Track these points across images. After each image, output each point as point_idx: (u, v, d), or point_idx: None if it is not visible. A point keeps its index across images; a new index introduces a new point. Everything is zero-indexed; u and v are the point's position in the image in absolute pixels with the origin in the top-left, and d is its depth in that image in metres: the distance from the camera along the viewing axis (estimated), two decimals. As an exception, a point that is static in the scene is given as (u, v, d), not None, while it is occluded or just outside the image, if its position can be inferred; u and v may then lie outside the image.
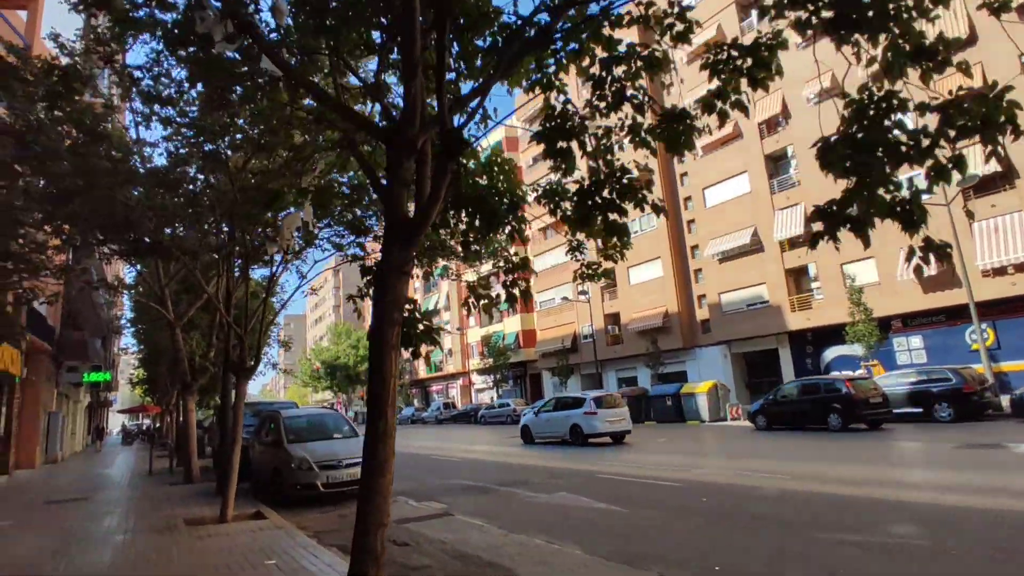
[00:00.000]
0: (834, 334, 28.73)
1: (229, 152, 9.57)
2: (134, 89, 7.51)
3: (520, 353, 50.00)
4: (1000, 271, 23.17)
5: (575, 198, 5.74)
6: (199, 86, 6.66)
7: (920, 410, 18.78)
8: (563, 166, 5.71)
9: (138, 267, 14.51)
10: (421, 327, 5.27)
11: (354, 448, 10.98)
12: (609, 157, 5.72)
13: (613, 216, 5.81)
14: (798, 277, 30.50)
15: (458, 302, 59.37)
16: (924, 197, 4.04)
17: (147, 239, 9.62)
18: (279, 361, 50.06)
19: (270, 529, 8.05)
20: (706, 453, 15.92)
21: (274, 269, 9.65)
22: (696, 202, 35.37)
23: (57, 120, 8.26)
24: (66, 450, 30.22)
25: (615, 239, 5.93)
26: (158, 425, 39.33)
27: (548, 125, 5.50)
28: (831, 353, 29.56)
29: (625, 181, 5.65)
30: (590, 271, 7.18)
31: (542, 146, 5.62)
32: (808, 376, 30.18)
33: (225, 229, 10.13)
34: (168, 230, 11.15)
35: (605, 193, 5.68)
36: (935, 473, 10.18)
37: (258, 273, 14.45)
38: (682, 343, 35.82)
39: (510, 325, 51.75)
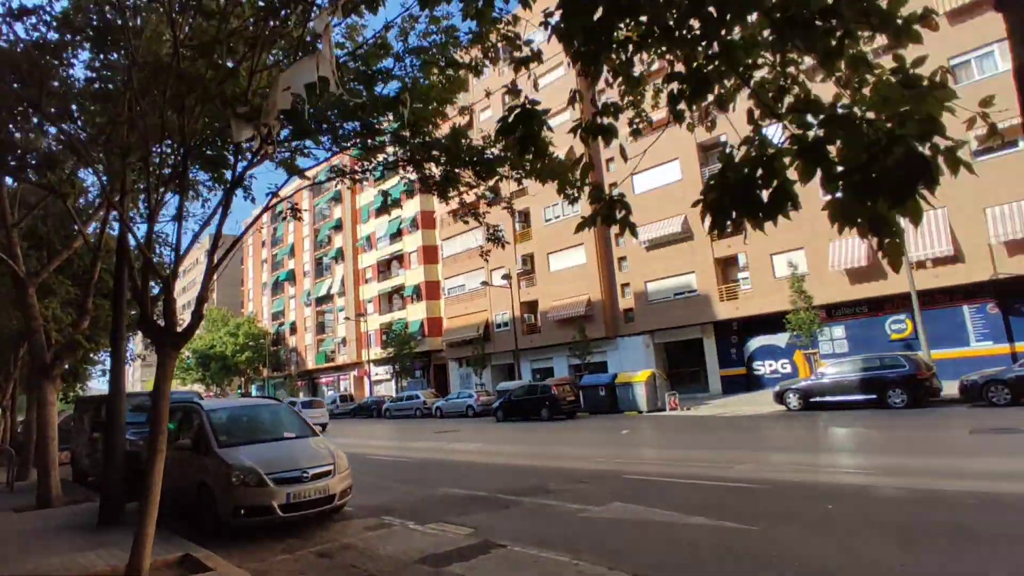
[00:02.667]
0: (761, 324, 28.95)
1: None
2: None
3: (425, 342, 46.83)
4: (920, 264, 24.12)
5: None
6: None
7: (875, 396, 18.65)
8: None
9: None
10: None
11: (320, 452, 7.91)
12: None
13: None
14: (727, 267, 30.45)
15: (354, 286, 54.79)
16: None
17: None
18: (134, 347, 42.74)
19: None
20: (705, 445, 14.23)
21: (239, 170, 6.26)
22: (623, 188, 34.25)
23: None
24: None
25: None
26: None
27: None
28: (756, 343, 29.82)
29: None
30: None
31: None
32: (732, 367, 30.42)
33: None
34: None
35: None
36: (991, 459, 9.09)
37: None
38: (605, 332, 34.80)
39: (414, 312, 48.37)
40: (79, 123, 6.91)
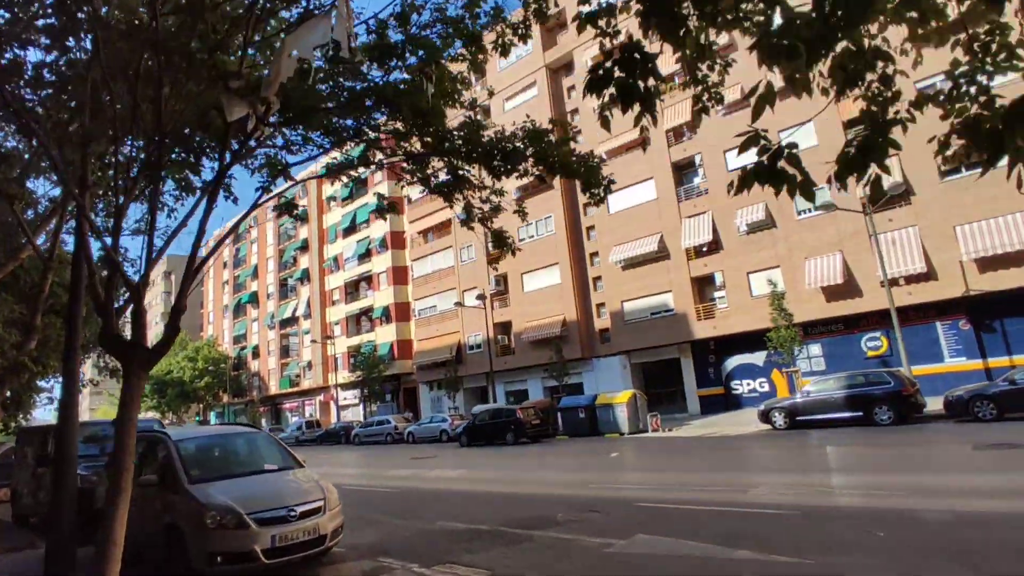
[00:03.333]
0: (739, 343, 28.87)
1: None
2: None
3: (395, 365, 45.47)
4: (893, 282, 24.40)
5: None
6: None
7: (860, 413, 18.49)
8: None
9: None
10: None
11: (307, 486, 7.01)
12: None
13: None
14: (703, 286, 30.38)
15: (321, 308, 53.13)
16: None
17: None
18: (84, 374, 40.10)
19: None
20: (702, 468, 13.66)
21: (227, 159, 5.37)
22: (596, 208, 34.17)
23: None
24: None
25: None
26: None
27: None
28: (733, 362, 29.70)
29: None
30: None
31: None
32: (710, 386, 30.17)
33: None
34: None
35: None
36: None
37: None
38: (580, 353, 34.28)
39: (383, 335, 47.04)
40: (35, 109, 6.00)
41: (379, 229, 48.35)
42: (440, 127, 6.63)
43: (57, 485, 7.22)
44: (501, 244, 7.84)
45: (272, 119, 5.01)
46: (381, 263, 47.98)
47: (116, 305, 5.50)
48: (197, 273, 5.20)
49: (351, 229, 51.25)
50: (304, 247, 56.55)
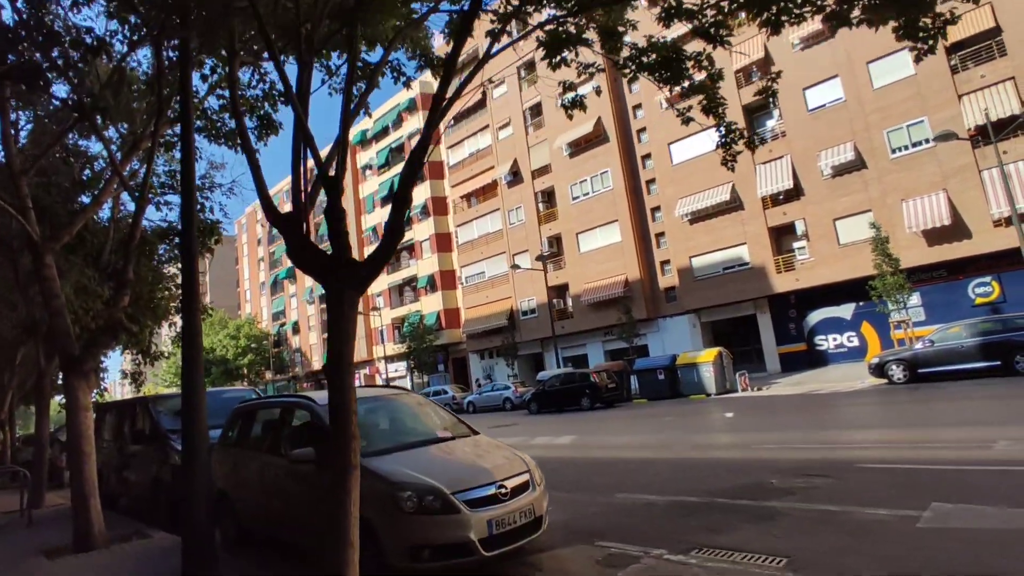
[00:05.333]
0: (822, 296, 26.89)
1: None
2: None
3: (442, 335, 44.31)
4: (1008, 220, 22.07)
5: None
6: None
7: (998, 363, 16.56)
8: None
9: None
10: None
11: (503, 455, 5.54)
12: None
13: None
14: (781, 236, 28.27)
15: (362, 281, 52.04)
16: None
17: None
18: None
19: None
20: (875, 425, 11.84)
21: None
22: (658, 159, 32.09)
23: None
24: None
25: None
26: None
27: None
28: (816, 316, 27.73)
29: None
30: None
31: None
32: (791, 343, 28.27)
33: None
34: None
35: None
36: None
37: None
38: (645, 313, 32.56)
39: (429, 304, 45.81)
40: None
41: (419, 195, 46.71)
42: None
43: (188, 465, 5.85)
44: (733, 142, 6.02)
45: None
46: (423, 231, 46.50)
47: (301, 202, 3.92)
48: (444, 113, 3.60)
49: (389, 198, 49.72)
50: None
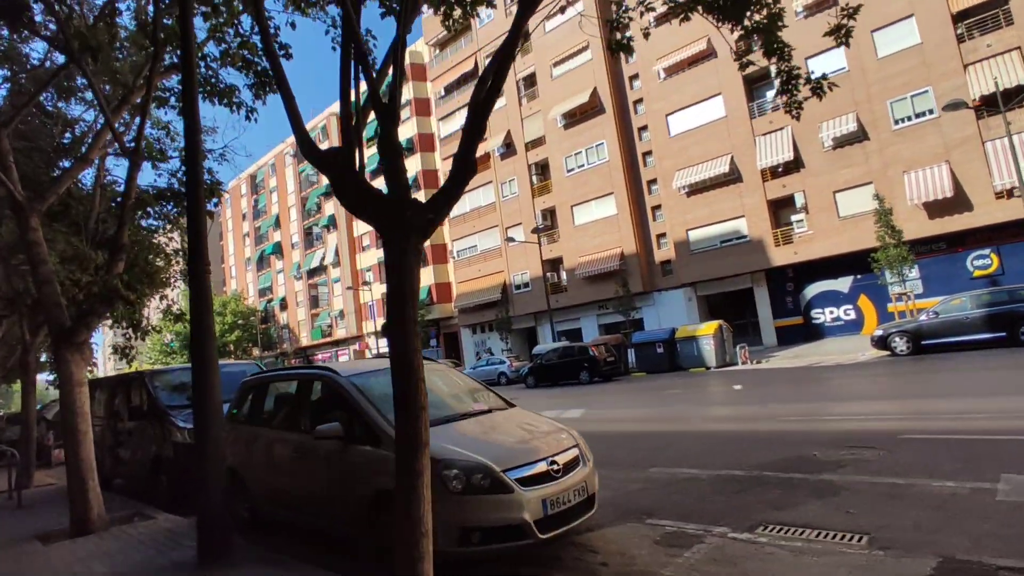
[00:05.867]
0: (819, 269, 26.75)
1: None
2: None
3: (433, 310, 43.78)
4: (1011, 192, 21.95)
5: None
6: None
7: (1004, 334, 16.49)
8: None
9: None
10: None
11: (546, 429, 5.13)
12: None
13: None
14: (779, 209, 27.98)
15: (351, 254, 51.18)
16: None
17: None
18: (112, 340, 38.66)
19: None
20: (893, 395, 11.66)
21: None
22: (655, 131, 31.47)
23: None
24: None
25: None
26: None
27: None
28: (813, 289, 27.63)
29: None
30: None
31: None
32: (787, 317, 28.19)
33: None
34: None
35: None
36: None
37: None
38: (641, 287, 32.28)
39: (421, 278, 45.03)
40: None
41: (411, 168, 45.69)
42: None
43: (202, 439, 5.36)
44: (796, 88, 5.49)
45: None
46: (413, 204, 45.57)
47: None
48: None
49: (380, 170, 48.60)
50: (328, 192, 53.98)
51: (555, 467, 4.51)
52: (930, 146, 23.32)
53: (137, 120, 7.22)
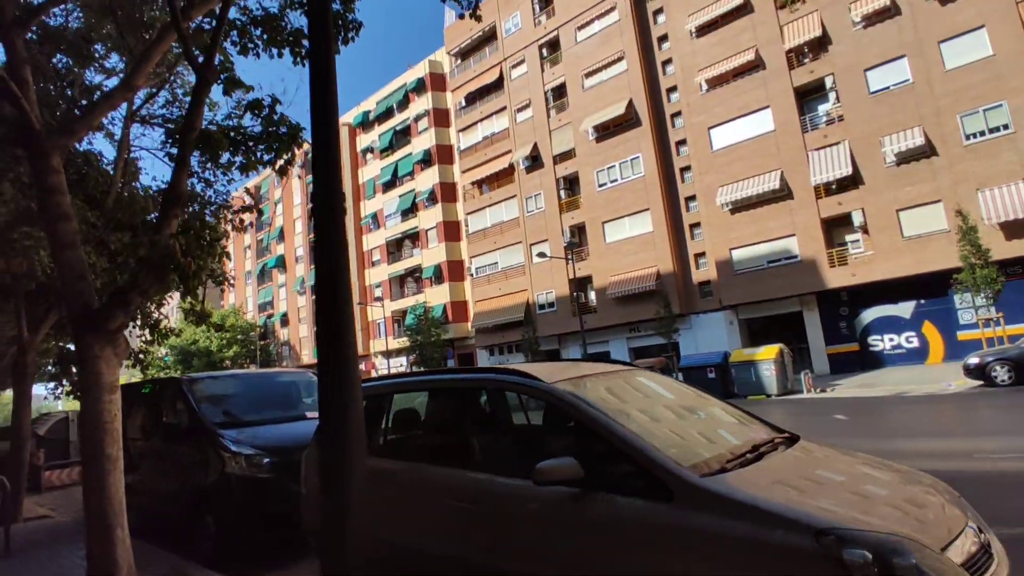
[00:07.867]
0: (877, 293, 24.99)
1: None
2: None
3: (448, 329, 41.68)
4: (1096, 214, 20.38)
5: None
6: None
7: None
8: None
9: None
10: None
11: (905, 484, 3.10)
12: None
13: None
14: (833, 228, 26.32)
15: (359, 269, 49.17)
16: None
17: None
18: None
19: None
20: (1006, 431, 9.84)
21: None
22: (696, 145, 29.95)
23: None
24: None
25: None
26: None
27: None
28: (871, 314, 25.80)
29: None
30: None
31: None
32: (841, 343, 26.27)
33: None
34: None
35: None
36: None
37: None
38: (678, 309, 30.39)
39: (435, 296, 43.12)
40: None
41: (426, 181, 44.06)
42: None
43: (334, 478, 3.33)
44: None
45: None
46: (430, 218, 43.80)
47: None
48: None
49: (392, 183, 46.99)
50: (337, 205, 52.30)
51: (985, 544, 2.54)
52: (1006, 162, 21.80)
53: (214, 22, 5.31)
